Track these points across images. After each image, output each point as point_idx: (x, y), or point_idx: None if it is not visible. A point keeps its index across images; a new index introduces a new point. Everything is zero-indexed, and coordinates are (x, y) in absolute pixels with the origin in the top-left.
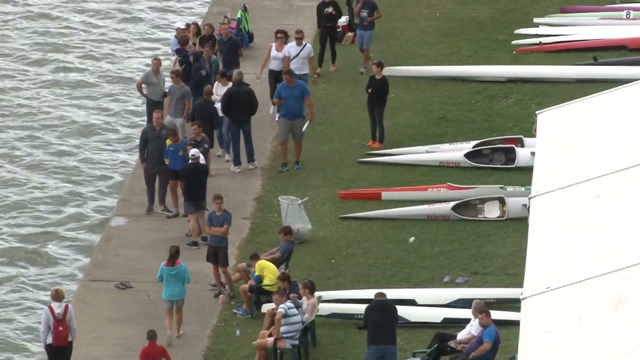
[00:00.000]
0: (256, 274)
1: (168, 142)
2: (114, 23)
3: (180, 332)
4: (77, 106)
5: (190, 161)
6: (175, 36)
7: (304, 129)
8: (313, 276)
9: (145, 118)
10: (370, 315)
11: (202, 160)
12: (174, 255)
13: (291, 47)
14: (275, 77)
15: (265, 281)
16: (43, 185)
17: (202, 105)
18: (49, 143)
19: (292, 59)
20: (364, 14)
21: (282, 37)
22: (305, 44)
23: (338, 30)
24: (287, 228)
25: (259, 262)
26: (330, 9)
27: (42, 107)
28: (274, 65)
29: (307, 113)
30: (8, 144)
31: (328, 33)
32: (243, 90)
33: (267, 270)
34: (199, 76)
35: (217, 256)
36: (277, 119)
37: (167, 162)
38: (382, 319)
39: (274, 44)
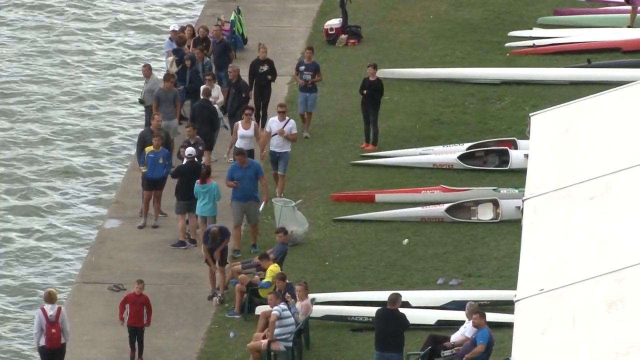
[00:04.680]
0: (267, 280)
1: (147, 149)
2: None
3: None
4: (73, 107)
5: (186, 160)
6: (170, 38)
7: (260, 209)
8: (307, 278)
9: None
10: (379, 322)
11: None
12: (204, 175)
13: (272, 122)
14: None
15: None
16: (37, 187)
17: (202, 106)
18: (42, 145)
19: (274, 135)
20: (307, 76)
21: (250, 113)
22: (289, 120)
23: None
24: (284, 228)
25: (271, 267)
26: (265, 67)
27: (38, 108)
28: (242, 144)
29: (261, 194)
30: (4, 146)
31: (262, 92)
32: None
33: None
34: (200, 80)
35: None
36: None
37: (143, 170)
38: (388, 327)
39: (240, 122)
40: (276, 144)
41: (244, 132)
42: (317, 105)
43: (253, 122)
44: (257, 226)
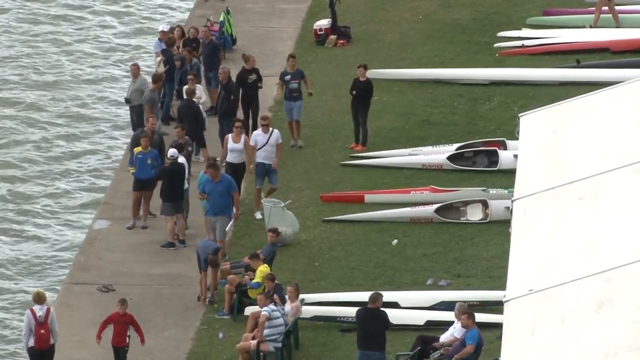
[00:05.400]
0: (256, 280)
1: (136, 149)
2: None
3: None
4: (65, 108)
5: (168, 161)
6: (159, 39)
7: (227, 228)
8: (296, 279)
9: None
10: (360, 321)
11: (180, 160)
12: (210, 166)
13: (258, 135)
14: (234, 170)
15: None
16: (26, 186)
17: (186, 106)
18: (32, 145)
19: (260, 148)
20: (294, 84)
21: (240, 126)
22: (273, 130)
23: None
24: (277, 229)
25: (261, 268)
26: (253, 76)
27: (31, 107)
28: (232, 157)
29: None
30: None
31: (250, 102)
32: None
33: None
34: (183, 80)
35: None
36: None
37: (132, 171)
38: (370, 326)
39: (230, 135)
40: (264, 156)
41: (234, 145)
42: (305, 108)
43: (243, 136)
44: (224, 243)
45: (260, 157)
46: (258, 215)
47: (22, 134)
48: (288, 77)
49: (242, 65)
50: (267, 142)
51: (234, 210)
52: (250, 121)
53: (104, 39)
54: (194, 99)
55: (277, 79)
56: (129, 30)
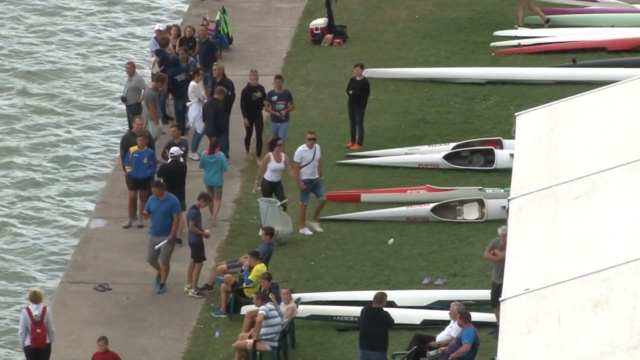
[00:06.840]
0: (250, 277)
1: (132, 149)
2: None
3: (217, 217)
4: (61, 105)
5: (170, 160)
6: (155, 38)
7: (157, 246)
8: (292, 278)
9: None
10: (362, 321)
11: (181, 159)
12: (214, 144)
13: (304, 152)
14: (273, 188)
15: (254, 287)
16: (22, 185)
17: (209, 105)
18: (27, 144)
19: (306, 164)
20: (281, 105)
21: (282, 144)
22: (316, 146)
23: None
24: (270, 229)
25: (257, 267)
26: (258, 94)
27: (26, 105)
28: (274, 177)
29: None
30: None
31: (254, 118)
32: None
33: (259, 279)
34: (175, 82)
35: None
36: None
37: (128, 170)
38: (370, 326)
39: (271, 154)
40: (311, 173)
41: (276, 165)
42: (301, 107)
43: (284, 154)
44: (167, 265)
45: (307, 173)
46: (307, 232)
47: (19, 132)
48: (275, 98)
49: (247, 80)
50: (313, 158)
51: (172, 231)
52: (257, 138)
53: (102, 37)
54: (219, 99)
55: (273, 79)
56: (126, 28)
